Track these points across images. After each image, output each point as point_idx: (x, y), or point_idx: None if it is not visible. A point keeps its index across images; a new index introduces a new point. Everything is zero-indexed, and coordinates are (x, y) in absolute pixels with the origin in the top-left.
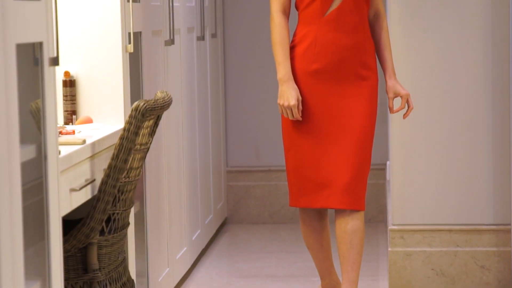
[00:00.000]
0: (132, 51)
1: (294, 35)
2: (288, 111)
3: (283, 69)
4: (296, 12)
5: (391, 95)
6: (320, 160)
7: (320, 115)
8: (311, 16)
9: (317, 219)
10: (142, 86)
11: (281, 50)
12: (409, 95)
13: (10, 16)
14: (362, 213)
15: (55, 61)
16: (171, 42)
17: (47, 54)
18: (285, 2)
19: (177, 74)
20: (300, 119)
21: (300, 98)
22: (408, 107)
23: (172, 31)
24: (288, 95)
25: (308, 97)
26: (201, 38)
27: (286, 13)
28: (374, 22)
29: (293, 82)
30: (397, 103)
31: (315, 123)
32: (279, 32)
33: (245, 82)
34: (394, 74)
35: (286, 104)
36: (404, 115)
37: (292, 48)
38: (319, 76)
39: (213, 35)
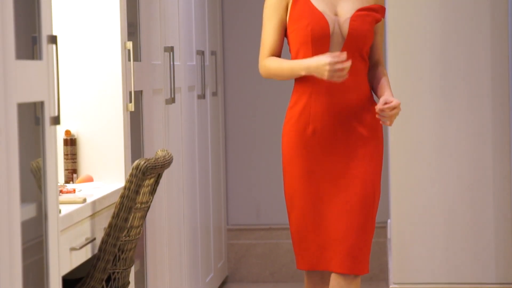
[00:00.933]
0: (133, 109)
1: (291, 97)
2: (336, 70)
3: (298, 65)
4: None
5: (381, 100)
6: (322, 221)
7: (320, 177)
8: (305, 77)
9: (320, 282)
10: (143, 145)
11: (286, 65)
12: (399, 104)
13: (11, 76)
14: (359, 278)
15: (56, 120)
16: (171, 100)
17: (48, 113)
18: (274, 51)
19: (177, 133)
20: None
21: (328, 54)
22: (393, 108)
23: (173, 89)
24: (319, 64)
25: (307, 158)
26: (202, 96)
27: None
28: (375, 69)
29: (311, 58)
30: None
31: (316, 184)
32: (273, 62)
33: (245, 140)
34: (391, 93)
35: (327, 68)
36: (386, 105)
37: (289, 110)
38: (317, 137)
39: (214, 94)
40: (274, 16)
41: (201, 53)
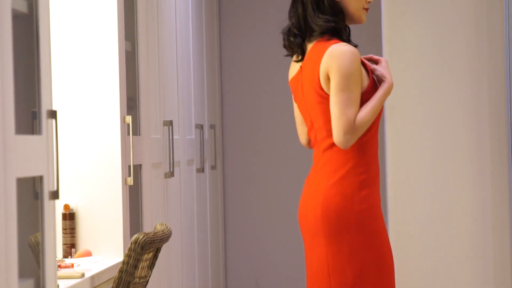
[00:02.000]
0: (132, 183)
1: (361, 165)
2: None
3: (382, 89)
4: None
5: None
6: None
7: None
8: (371, 142)
9: None
10: (142, 219)
11: (373, 100)
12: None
13: (11, 150)
14: None
15: (55, 195)
16: (170, 174)
17: (47, 188)
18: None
19: (176, 206)
20: None
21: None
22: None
23: (172, 163)
24: (387, 71)
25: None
26: (201, 170)
27: None
28: None
29: (381, 86)
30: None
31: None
32: (363, 111)
33: (244, 214)
34: None
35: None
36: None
37: (357, 177)
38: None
39: (213, 167)
40: (360, 81)
41: (200, 127)
